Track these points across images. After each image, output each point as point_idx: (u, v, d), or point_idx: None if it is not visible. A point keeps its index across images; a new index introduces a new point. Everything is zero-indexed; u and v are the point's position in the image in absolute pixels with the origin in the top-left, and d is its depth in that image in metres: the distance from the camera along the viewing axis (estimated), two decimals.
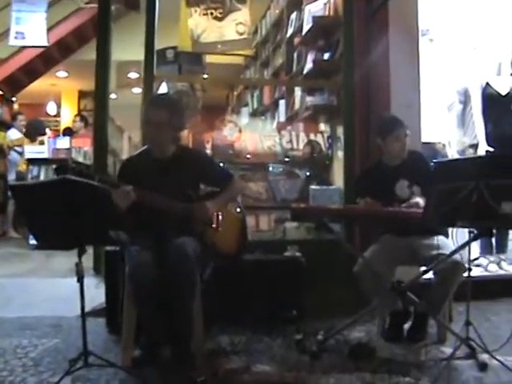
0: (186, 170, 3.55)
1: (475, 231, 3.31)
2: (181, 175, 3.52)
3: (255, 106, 8.65)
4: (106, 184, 3.17)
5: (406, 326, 3.89)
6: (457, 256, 3.58)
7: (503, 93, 5.77)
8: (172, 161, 3.57)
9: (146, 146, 3.71)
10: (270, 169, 5.75)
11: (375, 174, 4.10)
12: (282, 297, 4.17)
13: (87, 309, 3.18)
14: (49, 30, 7.32)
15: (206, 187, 3.77)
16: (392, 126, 4.04)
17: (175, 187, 3.47)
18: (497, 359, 3.26)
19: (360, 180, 4.35)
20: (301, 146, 5.82)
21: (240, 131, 5.83)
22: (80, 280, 3.01)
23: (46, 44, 7.26)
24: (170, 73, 6.32)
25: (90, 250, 4.09)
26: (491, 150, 5.55)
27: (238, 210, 3.77)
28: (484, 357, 3.31)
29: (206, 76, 6.42)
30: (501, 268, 5.67)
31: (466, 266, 3.45)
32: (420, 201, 3.70)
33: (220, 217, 3.58)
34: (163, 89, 5.93)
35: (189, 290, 3.28)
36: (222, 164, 4.34)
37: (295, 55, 6.89)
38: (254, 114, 8.51)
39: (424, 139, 5.17)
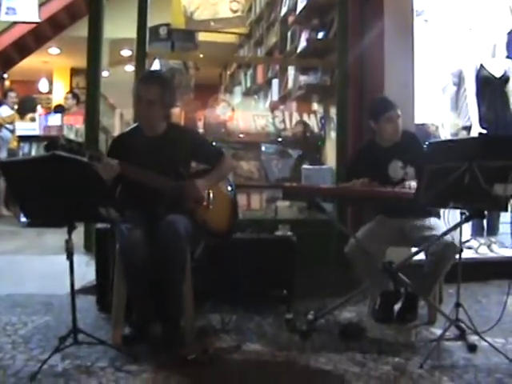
0: (176, 148, 3.53)
1: (467, 213, 3.31)
2: (172, 153, 3.50)
3: (248, 85, 8.62)
4: (94, 159, 3.16)
5: (397, 306, 3.90)
6: (448, 237, 3.58)
7: (497, 75, 5.77)
8: (163, 138, 3.55)
9: (137, 123, 3.68)
10: (263, 148, 5.74)
11: (368, 155, 4.07)
12: (273, 276, 4.17)
13: (77, 286, 3.19)
14: (40, 5, 7.27)
15: (197, 165, 3.76)
16: (384, 107, 4.00)
17: (166, 164, 3.45)
18: (486, 341, 3.27)
19: (353, 161, 4.32)
20: (294, 125, 5.81)
21: (233, 110, 5.81)
22: (70, 257, 3.00)
23: (37, 20, 7.21)
24: (162, 50, 6.28)
25: (80, 228, 4.11)
26: (484, 131, 5.56)
27: (229, 188, 3.76)
28: (473, 338, 3.33)
29: (199, 54, 6.37)
30: (491, 251, 5.68)
31: (458, 247, 3.44)
32: (413, 184, 3.68)
33: (211, 195, 3.56)
34: (156, 66, 5.89)
35: (179, 267, 3.28)
36: (213, 143, 4.31)
37: (289, 34, 6.85)
38: (247, 93, 8.48)
39: (417, 121, 5.17)
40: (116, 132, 8.54)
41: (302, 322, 3.72)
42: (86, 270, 4.28)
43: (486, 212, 3.54)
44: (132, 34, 5.06)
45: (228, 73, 10.65)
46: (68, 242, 2.99)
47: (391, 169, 3.95)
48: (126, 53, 10.73)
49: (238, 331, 3.64)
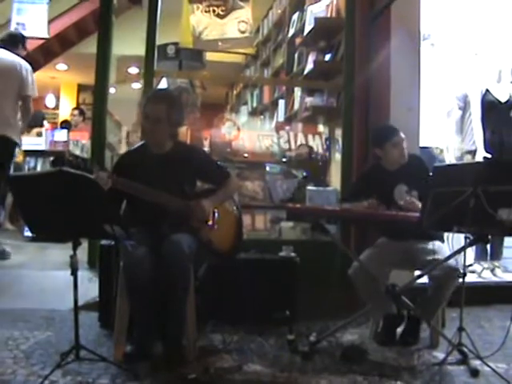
0: (182, 166, 3.54)
1: (471, 237, 3.30)
2: (177, 171, 3.52)
3: (254, 104, 8.65)
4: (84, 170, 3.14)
5: (399, 329, 3.88)
6: (452, 261, 3.58)
7: (503, 100, 5.80)
8: (169, 156, 3.57)
9: (143, 141, 3.70)
10: (268, 168, 5.74)
11: (374, 178, 4.08)
12: (275, 297, 4.16)
13: (80, 302, 3.18)
14: (50, 22, 7.32)
15: (202, 184, 3.77)
16: (388, 132, 4.04)
17: (172, 183, 3.47)
18: (488, 366, 3.26)
19: (358, 182, 4.33)
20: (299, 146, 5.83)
21: (238, 130, 5.82)
22: (74, 273, 3.01)
23: (46, 36, 7.27)
24: (170, 69, 6.32)
25: (84, 244, 4.11)
26: (489, 156, 5.57)
27: (235, 208, 3.77)
28: (476, 363, 3.32)
29: (206, 73, 6.40)
30: (495, 275, 5.68)
31: (461, 271, 3.44)
32: (416, 201, 3.71)
33: (216, 215, 3.57)
34: (163, 84, 5.92)
35: (183, 286, 3.28)
36: (219, 162, 4.33)
37: (296, 55, 6.87)
38: (253, 113, 8.51)
39: (422, 144, 5.17)
40: (122, 149, 8.57)
41: (303, 343, 3.72)
42: (89, 286, 4.28)
43: (489, 237, 3.56)
44: (140, 51, 5.10)
45: (234, 92, 10.70)
46: (73, 257, 3.00)
47: (396, 192, 3.96)
48: (133, 70, 10.78)
49: (239, 351, 3.63)
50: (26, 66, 5.58)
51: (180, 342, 3.34)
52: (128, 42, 6.75)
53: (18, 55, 5.66)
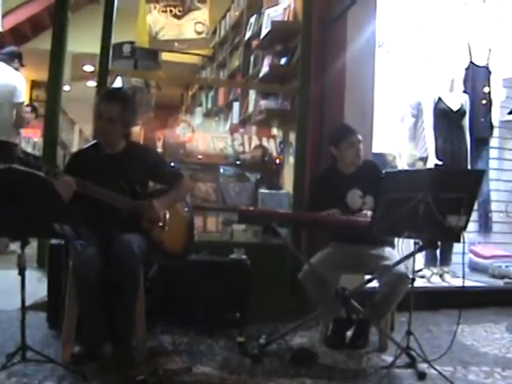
0: (135, 166, 3.52)
1: (420, 243, 3.36)
2: (129, 171, 3.49)
3: (209, 106, 8.62)
4: (50, 175, 3.13)
5: (349, 333, 3.89)
6: (401, 267, 3.63)
7: (454, 109, 5.89)
8: (121, 156, 3.54)
9: (95, 141, 3.66)
10: (221, 171, 5.74)
11: (327, 182, 4.10)
12: (226, 299, 4.16)
13: (28, 302, 3.13)
14: (3, 15, 7.18)
15: (154, 185, 3.75)
16: (345, 132, 4.08)
17: (123, 183, 3.44)
18: (435, 369, 3.32)
19: (314, 190, 4.28)
20: (253, 149, 5.83)
21: (193, 131, 5.80)
22: (21, 272, 2.96)
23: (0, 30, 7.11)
24: (125, 68, 6.25)
25: (34, 243, 4.04)
26: (440, 163, 5.65)
27: (186, 209, 3.76)
28: (423, 366, 3.39)
29: (162, 73, 6.36)
30: (443, 280, 5.78)
31: (410, 277, 3.48)
32: (370, 214, 3.70)
33: (167, 215, 3.55)
34: (118, 83, 5.86)
35: (132, 287, 3.25)
36: (172, 163, 4.31)
37: (252, 58, 6.87)
38: (208, 115, 8.48)
39: (375, 150, 5.23)
40: (75, 148, 8.47)
41: (253, 345, 3.72)
42: (38, 286, 4.21)
43: (439, 242, 3.62)
44: (95, 49, 5.03)
45: (190, 93, 10.64)
46: (20, 256, 2.95)
47: (350, 197, 3.99)
48: (88, 68, 10.64)
49: (189, 353, 3.62)
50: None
51: (129, 343, 3.32)
52: (84, 39, 6.68)
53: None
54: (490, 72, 6.44)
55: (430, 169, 5.13)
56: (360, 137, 4.06)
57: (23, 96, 6.17)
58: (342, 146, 4.03)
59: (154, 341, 3.76)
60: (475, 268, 6.43)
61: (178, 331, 3.93)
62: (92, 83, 9.58)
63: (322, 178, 4.28)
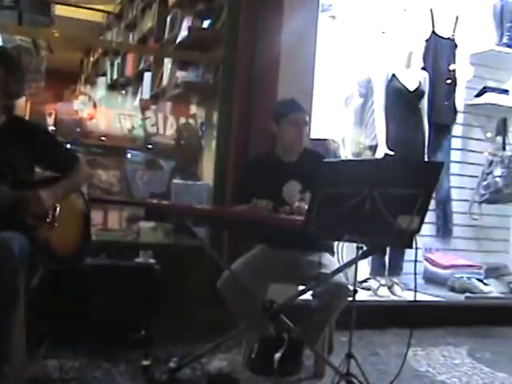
0: (17, 147, 3.45)
1: (365, 247, 3.38)
2: (11, 153, 3.42)
3: (115, 76, 8.58)
4: None
5: (278, 355, 3.89)
6: (340, 276, 3.67)
7: (411, 88, 5.98)
8: (1, 135, 3.47)
9: None
10: (128, 156, 5.71)
11: (262, 167, 4.12)
12: (129, 313, 4.16)
13: None
14: None
15: (43, 171, 3.70)
16: (289, 107, 4.10)
17: (2, 169, 3.37)
18: None
19: (245, 177, 4.29)
20: (168, 130, 5.82)
21: (94, 106, 5.76)
22: None
23: None
24: (6, 21, 6.11)
25: None
26: (391, 153, 5.74)
27: (82, 202, 3.71)
28: None
29: (55, 32, 6.25)
30: (393, 293, 5.88)
31: (351, 288, 3.51)
32: (303, 205, 3.75)
33: (57, 209, 3.50)
34: None
35: (9, 298, 3.17)
36: (66, 145, 4.26)
37: (168, 19, 6.84)
38: (113, 87, 8.44)
39: (315, 135, 5.25)
40: None
41: (162, 370, 3.72)
42: None
43: (387, 248, 3.68)
44: None
45: (91, 59, 10.53)
46: None
47: (286, 190, 4.02)
48: None
49: (80, 381, 3.58)
50: None
51: (3, 369, 3.25)
52: None
53: None
54: (455, 45, 6.58)
55: (378, 159, 5.21)
56: (307, 118, 4.10)
57: None
58: (283, 123, 4.06)
59: (36, 367, 3.70)
60: (431, 279, 6.56)
61: (68, 354, 3.87)
62: None
63: (255, 163, 4.32)
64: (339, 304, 3.69)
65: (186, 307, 4.34)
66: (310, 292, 3.80)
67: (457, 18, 6.57)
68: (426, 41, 6.48)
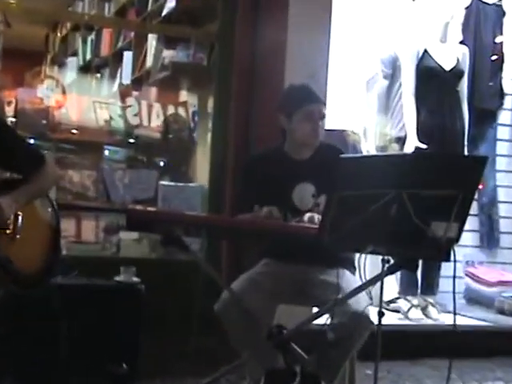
0: None
1: (392, 261, 3.38)
2: None
3: (88, 56, 8.58)
4: None
5: None
6: (361, 301, 3.63)
7: (447, 67, 5.96)
8: None
9: None
10: (105, 153, 5.73)
11: (269, 167, 4.07)
12: (108, 342, 4.18)
13: None
14: None
15: (1, 172, 3.72)
16: (303, 97, 4.04)
17: None
18: None
19: (246, 174, 4.29)
20: (153, 122, 5.84)
21: (63, 92, 5.78)
22: None
23: None
24: None
25: None
26: (423, 146, 5.75)
27: (49, 210, 3.73)
28: None
29: (12, 2, 6.28)
30: (427, 316, 5.88)
31: (377, 310, 3.47)
32: (316, 216, 3.72)
33: (20, 219, 3.53)
34: None
35: None
36: (30, 140, 4.27)
37: None
38: (86, 69, 8.44)
39: (330, 125, 5.21)
40: None
41: None
42: None
43: (419, 261, 3.67)
44: None
45: (58, 35, 10.52)
46: None
47: (297, 193, 3.99)
48: None
49: None
50: None
51: None
52: None
53: None
54: (503, 13, 6.55)
55: (406, 154, 5.20)
56: (324, 109, 4.06)
57: None
58: (295, 117, 4.01)
59: None
60: (474, 299, 6.57)
61: None
62: None
63: (260, 160, 4.28)
64: (359, 338, 3.69)
65: (176, 335, 4.35)
66: (327, 316, 3.79)
67: None
68: (466, 8, 6.44)
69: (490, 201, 6.62)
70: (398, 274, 5.66)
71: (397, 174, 3.19)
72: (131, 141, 5.79)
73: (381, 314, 3.39)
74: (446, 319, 5.71)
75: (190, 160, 5.91)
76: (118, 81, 7.35)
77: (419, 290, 5.99)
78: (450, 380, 3.32)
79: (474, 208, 5.92)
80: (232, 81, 5.26)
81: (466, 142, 6.03)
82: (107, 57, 7.99)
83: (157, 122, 5.87)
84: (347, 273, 3.93)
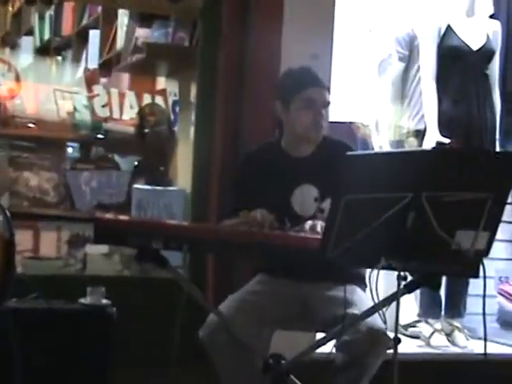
0: None
1: (409, 277, 3.40)
2: None
3: (46, 35, 8.58)
4: None
5: None
6: (375, 319, 3.67)
7: (475, 46, 5.97)
8: None
9: None
10: (69, 151, 5.74)
11: (263, 167, 4.10)
12: (72, 375, 4.18)
13: None
14: None
15: None
16: (303, 80, 4.04)
17: None
18: None
19: (239, 174, 4.34)
20: (126, 114, 5.85)
21: (17, 79, 5.79)
22: None
23: None
24: None
25: None
26: (446, 141, 5.76)
27: (0, 219, 3.75)
28: None
29: None
30: (453, 343, 5.88)
31: (392, 336, 3.51)
32: (319, 224, 3.71)
33: None
34: None
35: None
36: None
37: None
38: (44, 51, 8.44)
39: (335, 117, 5.28)
40: None
41: None
42: None
43: (442, 278, 3.66)
44: None
45: (9, 10, 10.53)
46: None
47: (297, 197, 4.02)
48: None
49: None
50: None
51: None
52: None
53: None
54: None
55: (427, 150, 5.21)
56: (328, 95, 4.06)
57: None
58: (293, 104, 4.02)
59: None
60: (509, 322, 6.56)
61: None
62: None
63: (254, 159, 4.28)
64: (374, 358, 3.69)
65: (153, 366, 4.36)
66: (333, 342, 3.80)
67: None
68: None
69: None
70: (418, 292, 5.70)
71: (415, 175, 3.18)
72: (99, 136, 5.80)
73: (397, 341, 3.38)
74: (476, 346, 5.74)
75: (170, 159, 5.92)
76: (82, 65, 7.36)
77: (443, 312, 6.00)
78: None
79: (508, 214, 5.90)
80: (219, 65, 5.26)
81: (497, 136, 6.03)
82: (69, 36, 7.99)
83: (130, 114, 5.88)
84: (357, 290, 3.96)
